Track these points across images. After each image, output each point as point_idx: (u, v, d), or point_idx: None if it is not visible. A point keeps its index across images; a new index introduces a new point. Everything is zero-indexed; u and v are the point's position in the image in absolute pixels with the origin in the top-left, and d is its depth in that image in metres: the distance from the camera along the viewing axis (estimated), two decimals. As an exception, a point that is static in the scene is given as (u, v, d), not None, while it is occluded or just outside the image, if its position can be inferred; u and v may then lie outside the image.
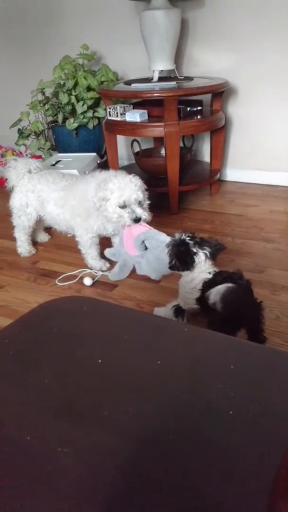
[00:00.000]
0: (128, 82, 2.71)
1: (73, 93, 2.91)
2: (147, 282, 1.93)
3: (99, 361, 0.81)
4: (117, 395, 0.75)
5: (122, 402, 0.73)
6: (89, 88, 2.92)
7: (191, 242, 1.52)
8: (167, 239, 1.68)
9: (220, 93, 2.63)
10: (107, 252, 1.99)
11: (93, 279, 1.98)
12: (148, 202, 1.89)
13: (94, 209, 1.85)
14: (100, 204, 1.81)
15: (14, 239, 2.29)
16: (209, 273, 1.50)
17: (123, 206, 1.79)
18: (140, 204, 1.82)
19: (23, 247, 2.27)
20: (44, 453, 0.66)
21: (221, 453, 0.64)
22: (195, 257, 1.50)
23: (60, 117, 2.98)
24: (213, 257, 1.53)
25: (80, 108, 2.90)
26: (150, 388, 0.77)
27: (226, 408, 0.71)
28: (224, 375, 0.78)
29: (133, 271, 1.97)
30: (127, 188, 1.78)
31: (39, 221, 2.24)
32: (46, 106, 3.05)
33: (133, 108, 2.60)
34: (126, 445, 0.66)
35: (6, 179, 2.21)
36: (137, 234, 1.82)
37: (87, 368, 0.81)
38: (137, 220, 1.80)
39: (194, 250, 1.51)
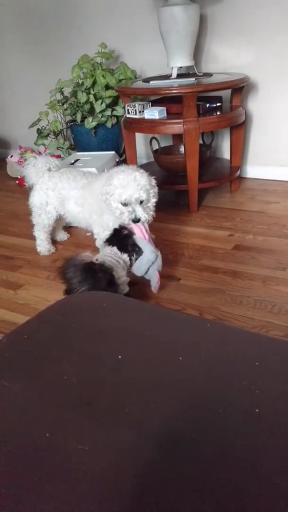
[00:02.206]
0: (147, 80, 2.69)
1: (92, 92, 2.90)
2: (167, 280, 1.91)
3: (119, 357, 0.79)
4: (137, 392, 0.73)
5: (143, 399, 0.71)
6: (107, 87, 2.91)
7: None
8: (151, 255, 1.71)
9: (240, 88, 2.59)
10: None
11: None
12: (154, 200, 1.84)
13: (101, 202, 1.84)
14: (105, 197, 1.80)
15: (33, 238, 2.29)
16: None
17: (125, 204, 1.77)
18: (143, 203, 1.79)
19: (43, 245, 2.27)
20: (64, 451, 0.64)
21: (248, 453, 0.62)
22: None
23: (78, 116, 2.97)
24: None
25: (98, 106, 2.90)
26: (172, 385, 0.74)
27: (252, 406, 0.68)
28: (249, 372, 0.75)
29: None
30: (129, 187, 1.75)
31: (59, 220, 2.23)
32: (65, 106, 3.05)
33: (152, 106, 2.58)
34: (147, 443, 0.64)
35: (24, 176, 2.21)
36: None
37: (107, 364, 0.79)
38: (135, 220, 1.76)
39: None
